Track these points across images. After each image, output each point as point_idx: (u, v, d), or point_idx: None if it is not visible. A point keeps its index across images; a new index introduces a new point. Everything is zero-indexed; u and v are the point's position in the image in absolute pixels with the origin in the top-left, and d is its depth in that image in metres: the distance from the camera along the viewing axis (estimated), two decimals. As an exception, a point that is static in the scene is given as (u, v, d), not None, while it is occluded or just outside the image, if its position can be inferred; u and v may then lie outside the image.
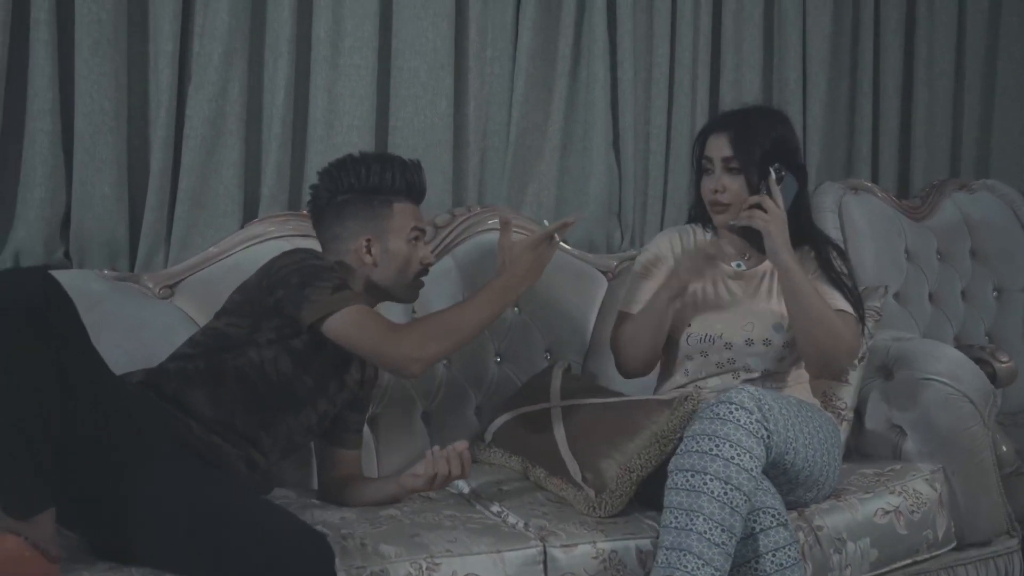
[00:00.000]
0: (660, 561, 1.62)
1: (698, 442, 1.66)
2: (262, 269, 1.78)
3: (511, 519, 1.82)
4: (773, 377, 2.00)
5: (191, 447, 1.68)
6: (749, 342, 1.97)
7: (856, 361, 2.13)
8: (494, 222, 2.41)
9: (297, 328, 1.71)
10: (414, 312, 2.18)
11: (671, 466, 1.69)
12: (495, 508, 1.88)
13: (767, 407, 1.70)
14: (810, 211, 2.11)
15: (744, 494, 1.63)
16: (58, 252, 2.12)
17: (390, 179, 1.86)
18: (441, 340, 1.71)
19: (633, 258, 2.52)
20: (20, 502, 1.45)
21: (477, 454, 2.17)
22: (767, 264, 2.04)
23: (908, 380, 2.16)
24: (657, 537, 1.69)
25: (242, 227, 2.21)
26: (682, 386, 2.02)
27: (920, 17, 3.04)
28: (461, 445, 1.78)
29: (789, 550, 1.69)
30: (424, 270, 1.90)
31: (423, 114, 2.38)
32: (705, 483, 1.62)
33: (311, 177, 2.09)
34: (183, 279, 2.11)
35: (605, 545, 1.73)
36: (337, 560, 1.57)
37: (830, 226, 2.69)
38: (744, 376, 1.99)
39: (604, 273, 2.50)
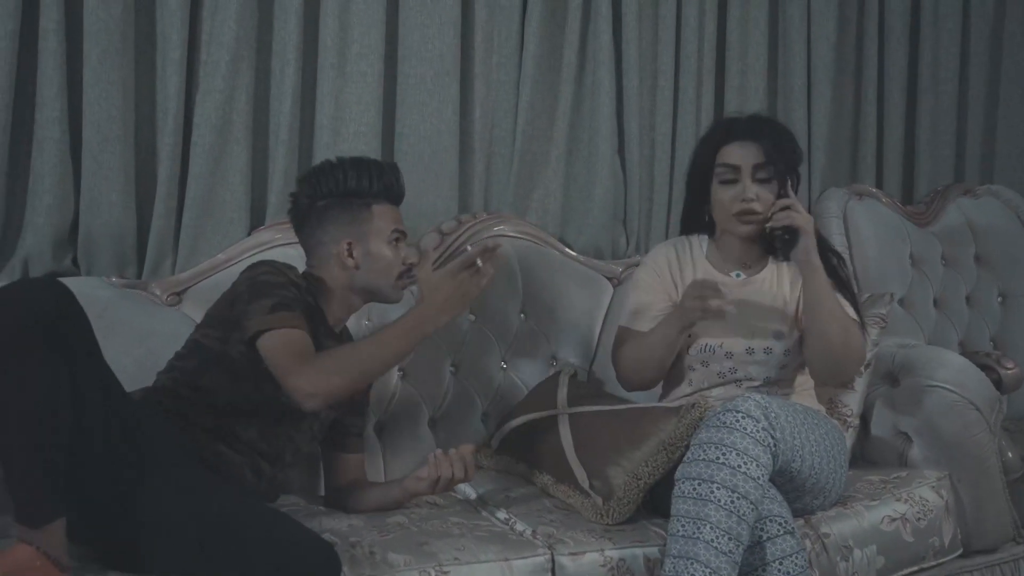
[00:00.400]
0: (667, 569, 1.62)
1: (705, 450, 1.66)
2: (235, 281, 1.80)
3: (519, 526, 1.82)
4: (776, 384, 2.00)
5: (198, 458, 1.69)
6: (750, 351, 1.97)
7: (862, 368, 2.13)
8: (501, 228, 2.42)
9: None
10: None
11: (678, 474, 1.69)
12: (502, 515, 1.88)
13: (773, 415, 1.71)
14: None
15: (751, 502, 1.63)
16: (66, 259, 2.13)
17: (367, 183, 1.87)
18: (345, 376, 1.65)
19: (638, 264, 2.53)
20: (33, 511, 1.45)
21: (484, 460, 2.18)
22: (764, 273, 2.05)
23: (914, 387, 2.16)
24: (665, 545, 1.69)
25: (249, 234, 2.22)
26: (687, 395, 2.02)
27: (924, 24, 3.04)
28: (465, 448, 1.78)
29: (796, 558, 1.69)
30: (408, 269, 1.90)
31: (429, 121, 2.38)
32: (712, 491, 1.62)
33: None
34: (191, 286, 2.12)
35: (613, 553, 1.73)
36: (346, 568, 1.58)
37: (835, 232, 2.69)
38: (746, 385, 1.99)
39: (610, 279, 2.51)
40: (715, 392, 2.00)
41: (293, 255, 2.00)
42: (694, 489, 1.64)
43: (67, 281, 2.03)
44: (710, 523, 1.60)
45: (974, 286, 2.95)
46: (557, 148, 2.55)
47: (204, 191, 2.18)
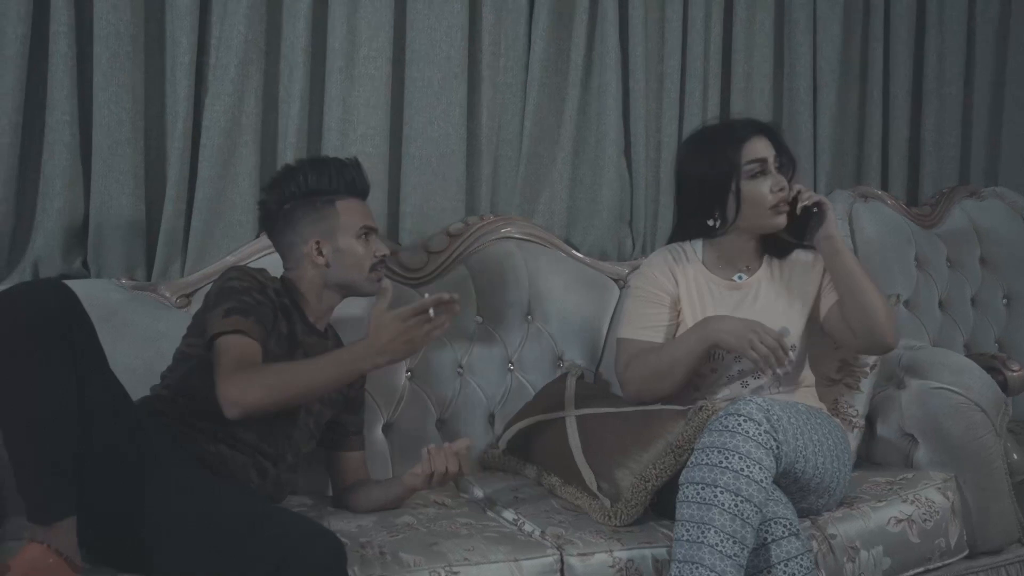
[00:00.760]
0: (674, 574, 1.63)
1: (708, 455, 1.67)
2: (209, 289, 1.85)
3: (527, 527, 1.83)
4: (781, 381, 2.01)
5: (201, 461, 1.71)
6: None
7: (868, 369, 2.14)
8: (508, 230, 2.43)
9: None
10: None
11: (682, 479, 1.70)
12: (510, 516, 1.89)
13: (775, 417, 1.71)
14: None
15: (755, 505, 1.64)
16: (76, 262, 2.14)
17: (328, 180, 1.91)
18: (271, 392, 1.65)
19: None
20: (43, 508, 1.46)
21: (491, 461, 2.19)
22: (761, 272, 2.06)
23: (919, 389, 2.17)
24: (671, 547, 1.70)
25: (258, 236, 2.22)
26: (694, 398, 2.03)
27: (929, 26, 3.05)
28: (462, 443, 1.79)
29: (802, 559, 1.69)
30: (380, 261, 1.91)
31: (437, 123, 2.39)
32: (716, 495, 1.63)
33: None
34: (200, 288, 2.13)
35: (622, 554, 1.74)
36: (356, 568, 1.59)
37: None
38: (753, 384, 2.00)
39: (616, 281, 2.51)
40: (721, 393, 2.01)
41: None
42: (698, 493, 1.64)
43: (77, 283, 2.05)
44: (714, 527, 1.61)
45: (979, 288, 2.95)
46: (563, 150, 2.56)
47: (213, 193, 2.20)
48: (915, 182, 3.11)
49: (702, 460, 1.67)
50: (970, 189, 3.09)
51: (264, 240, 2.20)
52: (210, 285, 2.12)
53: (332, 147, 2.29)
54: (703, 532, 1.61)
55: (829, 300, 2.04)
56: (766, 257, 2.08)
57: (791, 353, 1.90)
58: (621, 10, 2.58)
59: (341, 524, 1.79)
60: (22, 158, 2.07)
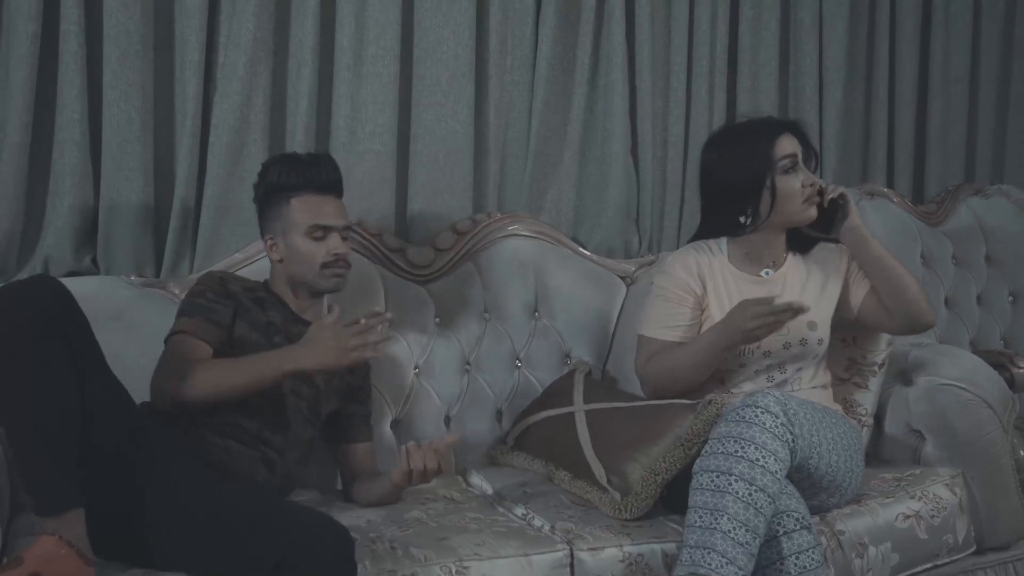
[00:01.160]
0: (684, 559, 1.63)
1: (723, 444, 1.68)
2: None
3: (536, 522, 1.84)
4: (803, 372, 2.01)
5: (209, 459, 1.72)
6: (787, 345, 1.98)
7: (877, 368, 2.15)
8: (515, 227, 2.44)
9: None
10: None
11: (696, 467, 1.70)
12: (520, 511, 1.89)
13: (792, 411, 1.72)
14: None
15: (769, 496, 1.64)
16: (86, 259, 2.15)
17: (281, 176, 1.92)
18: (195, 384, 1.69)
19: (651, 263, 2.55)
20: (50, 500, 1.47)
21: (499, 457, 2.19)
22: (787, 267, 2.07)
23: (927, 386, 2.17)
24: (681, 541, 1.70)
25: (266, 233, 2.23)
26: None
27: (935, 24, 3.06)
28: (450, 438, 1.80)
29: (812, 553, 1.70)
30: (335, 260, 1.91)
31: (444, 121, 2.40)
32: (730, 484, 1.63)
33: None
34: (209, 285, 2.14)
35: (632, 548, 1.74)
36: (368, 563, 1.59)
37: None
38: (779, 378, 2.01)
39: (623, 279, 2.52)
40: (745, 387, 2.01)
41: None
42: (712, 481, 1.65)
43: (87, 280, 2.09)
44: (728, 514, 1.61)
45: (985, 286, 2.96)
46: (570, 148, 2.57)
47: (222, 191, 2.21)
48: (920, 180, 3.12)
49: (717, 449, 1.68)
50: (976, 187, 3.09)
51: (270, 237, 2.22)
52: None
53: (340, 145, 2.31)
54: (716, 519, 1.61)
55: (861, 291, 2.06)
56: (790, 253, 2.09)
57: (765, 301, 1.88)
58: (628, 9, 2.59)
59: (350, 519, 1.80)
60: (32, 156, 2.08)
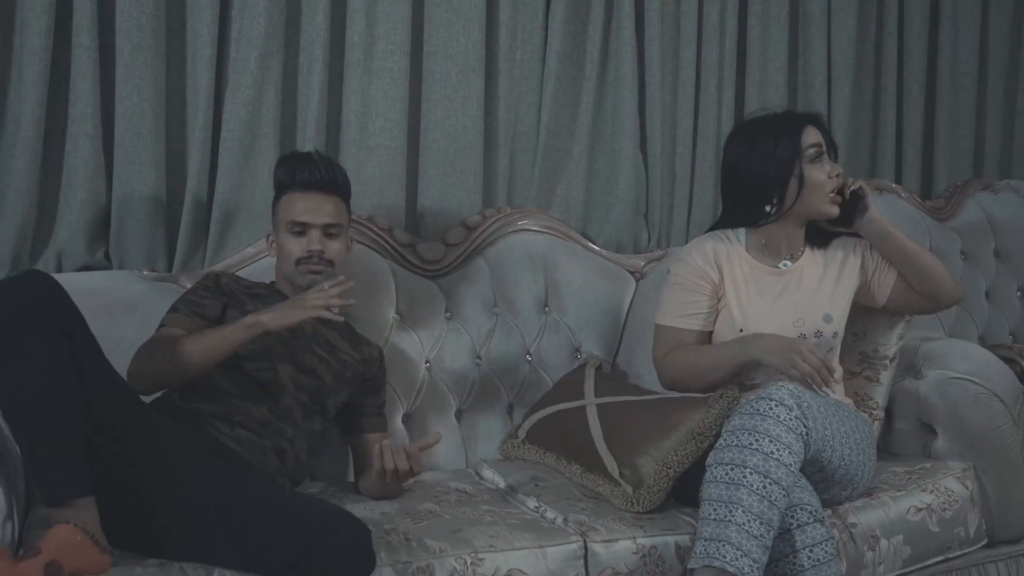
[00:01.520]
0: (699, 552, 1.63)
1: (738, 436, 1.68)
2: None
3: (549, 514, 1.84)
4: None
5: (223, 451, 1.72)
6: (802, 337, 1.98)
7: (888, 362, 2.15)
8: (524, 222, 2.45)
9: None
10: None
11: (710, 460, 1.71)
12: (532, 504, 1.90)
13: (806, 404, 1.72)
14: None
15: (783, 488, 1.64)
16: (99, 253, 2.16)
17: (277, 175, 2.00)
18: (163, 360, 1.74)
19: (660, 258, 2.55)
20: (60, 488, 1.47)
21: (510, 451, 2.20)
22: (804, 259, 2.07)
23: (938, 379, 2.17)
24: (694, 533, 1.71)
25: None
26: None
27: (944, 19, 3.06)
28: (430, 439, 1.81)
29: (826, 546, 1.70)
30: (309, 257, 1.91)
31: (454, 116, 2.41)
32: (744, 476, 1.64)
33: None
34: (220, 279, 2.14)
35: (645, 540, 1.75)
36: (383, 554, 1.60)
37: (855, 226, 2.70)
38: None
39: (632, 273, 2.52)
40: (759, 379, 2.00)
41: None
42: (727, 474, 1.65)
43: (99, 275, 2.10)
44: (742, 507, 1.61)
45: (993, 281, 2.96)
46: (580, 143, 2.57)
47: (233, 185, 2.21)
48: (929, 175, 3.12)
49: (732, 442, 1.68)
50: (984, 182, 3.09)
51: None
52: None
53: (351, 140, 2.31)
54: (731, 511, 1.61)
55: (889, 281, 2.07)
56: (808, 246, 2.09)
57: (836, 374, 1.91)
58: (637, 4, 2.59)
59: (363, 511, 1.79)
60: (45, 150, 2.09)
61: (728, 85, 2.74)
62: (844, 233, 2.08)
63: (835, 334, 2.01)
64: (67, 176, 2.11)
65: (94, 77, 2.08)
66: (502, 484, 2.02)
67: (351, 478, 2.05)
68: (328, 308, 1.73)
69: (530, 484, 1.99)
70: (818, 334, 1.99)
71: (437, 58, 2.39)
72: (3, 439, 1.60)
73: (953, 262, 2.88)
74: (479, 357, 2.31)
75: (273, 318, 1.75)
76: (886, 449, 2.24)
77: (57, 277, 1.97)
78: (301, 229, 1.92)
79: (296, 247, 1.92)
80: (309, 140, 2.27)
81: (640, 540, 1.75)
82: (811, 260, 2.08)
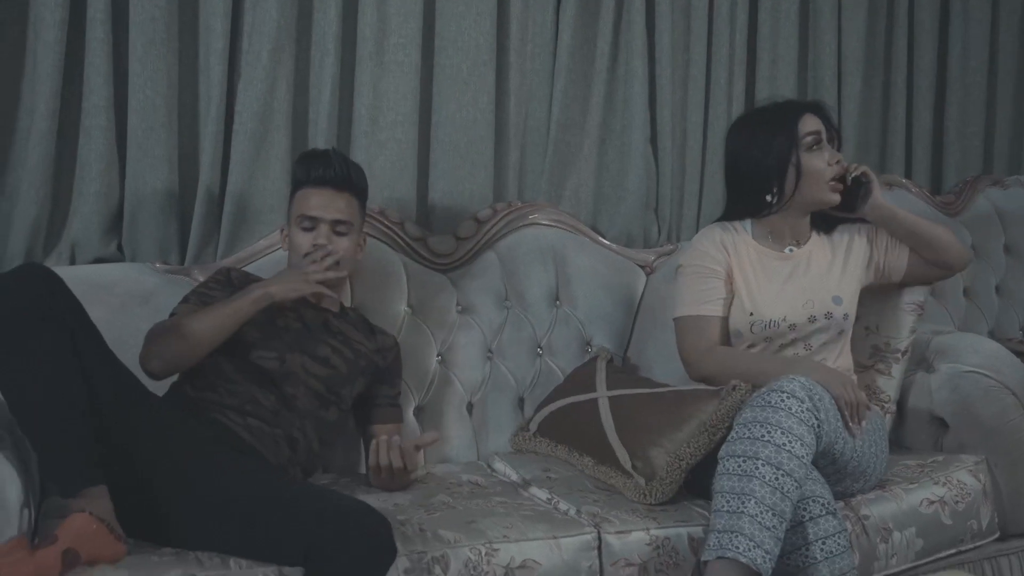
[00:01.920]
0: (712, 544, 1.63)
1: (750, 429, 1.68)
2: None
3: (562, 506, 1.84)
4: (827, 349, 2.01)
5: (234, 438, 1.73)
6: (812, 319, 1.99)
7: (900, 355, 2.15)
8: (535, 216, 2.45)
9: None
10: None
11: (722, 452, 1.71)
12: (545, 495, 1.90)
13: (818, 396, 1.72)
14: None
15: (795, 480, 1.64)
16: (112, 245, 2.16)
17: (294, 172, 2.03)
18: (174, 338, 1.75)
19: (670, 252, 2.55)
20: (72, 477, 1.48)
21: (522, 444, 2.20)
22: (811, 244, 2.08)
23: (950, 372, 2.17)
24: (707, 525, 1.72)
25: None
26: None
27: (953, 15, 3.06)
28: (427, 437, 1.84)
29: (838, 538, 1.70)
30: (315, 251, 1.93)
31: (465, 110, 2.41)
32: (757, 468, 1.64)
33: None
34: (232, 272, 2.15)
35: (658, 532, 1.75)
36: (399, 544, 1.59)
37: (864, 222, 2.70)
38: (804, 354, 2.00)
39: (642, 267, 2.53)
40: None
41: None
42: (739, 466, 1.65)
43: (113, 267, 2.11)
44: (755, 498, 1.61)
45: (1003, 275, 2.96)
46: (590, 137, 2.57)
47: (246, 178, 2.22)
48: (939, 171, 3.12)
49: (744, 434, 1.68)
50: (994, 178, 3.09)
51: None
52: (244, 267, 2.16)
53: (362, 133, 2.32)
54: (743, 503, 1.62)
55: (903, 258, 2.09)
56: (814, 232, 2.10)
57: (859, 391, 1.90)
58: (648, -3, 2.60)
59: (376, 502, 1.78)
60: (59, 143, 2.09)
61: (738, 80, 2.74)
62: (851, 219, 2.08)
63: (846, 316, 2.01)
64: (80, 169, 2.12)
65: (107, 71, 2.09)
66: (514, 476, 2.02)
67: (363, 470, 2.05)
68: (324, 281, 1.83)
69: (542, 476, 1.99)
70: (828, 315, 1.99)
71: (448, 52, 2.40)
72: (17, 430, 1.61)
73: (963, 257, 2.87)
74: (490, 350, 2.32)
75: (280, 289, 1.82)
76: (898, 443, 2.24)
77: (70, 269, 2.03)
78: (310, 224, 1.93)
79: (305, 241, 1.93)
80: (321, 133, 2.27)
81: (653, 531, 1.75)
82: (818, 245, 2.09)
